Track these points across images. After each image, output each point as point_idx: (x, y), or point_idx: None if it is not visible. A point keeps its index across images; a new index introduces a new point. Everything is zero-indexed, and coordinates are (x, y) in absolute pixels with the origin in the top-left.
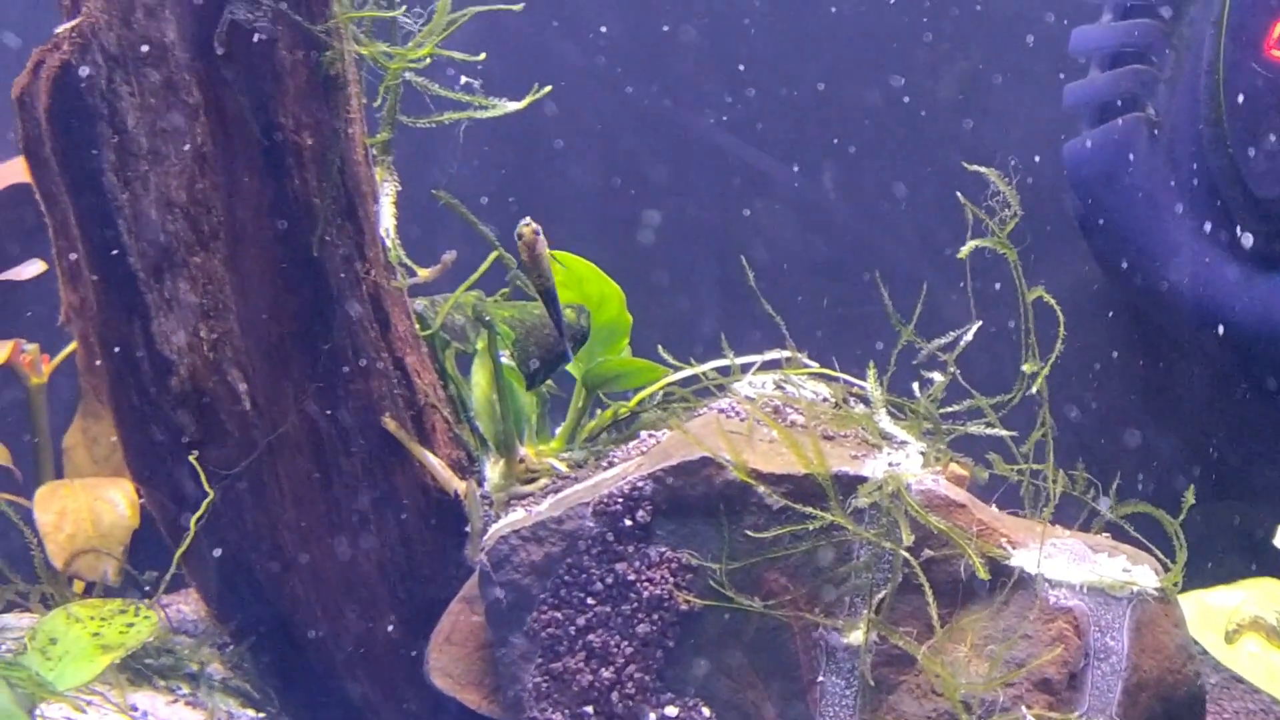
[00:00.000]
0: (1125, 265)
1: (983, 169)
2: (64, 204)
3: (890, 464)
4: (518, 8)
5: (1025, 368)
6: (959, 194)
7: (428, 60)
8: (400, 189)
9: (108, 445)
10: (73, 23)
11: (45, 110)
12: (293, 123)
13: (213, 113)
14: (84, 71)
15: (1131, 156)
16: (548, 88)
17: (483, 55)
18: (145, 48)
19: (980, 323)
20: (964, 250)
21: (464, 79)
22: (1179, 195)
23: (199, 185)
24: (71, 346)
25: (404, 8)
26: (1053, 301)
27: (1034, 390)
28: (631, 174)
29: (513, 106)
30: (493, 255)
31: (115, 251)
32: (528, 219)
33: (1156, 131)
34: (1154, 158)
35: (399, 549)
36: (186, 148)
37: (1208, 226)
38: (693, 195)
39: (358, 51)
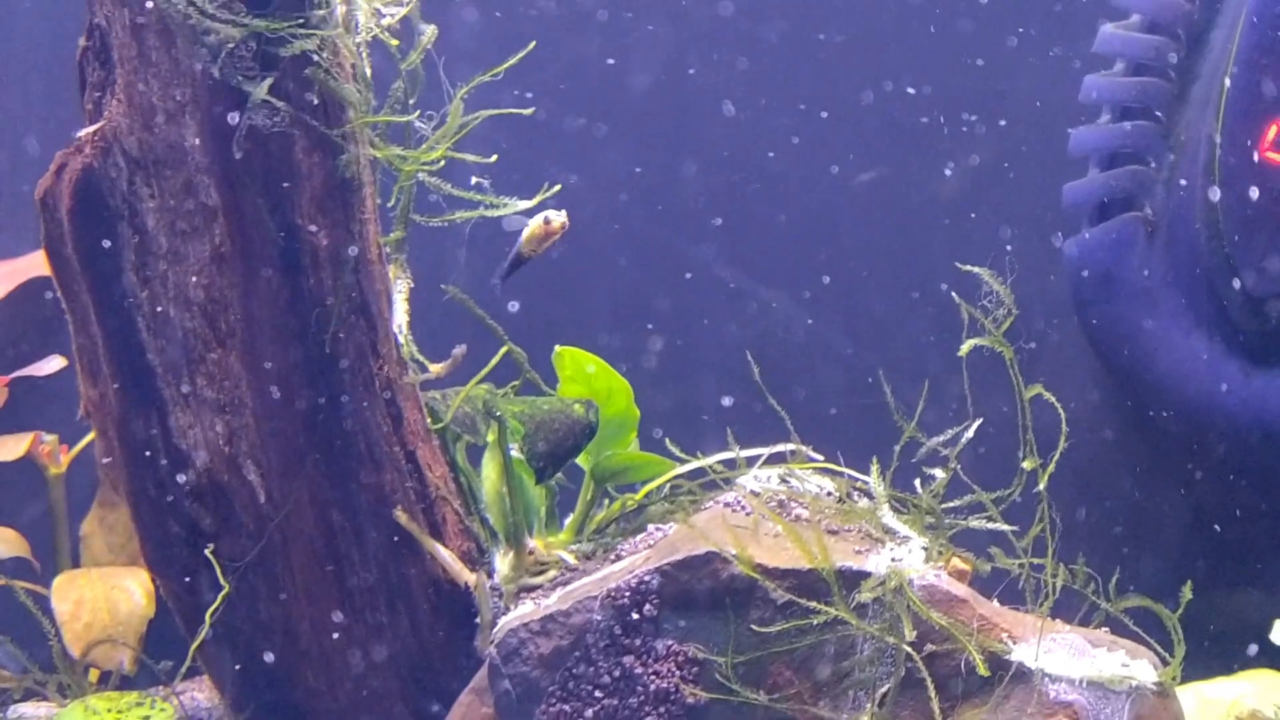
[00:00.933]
0: (1124, 361)
1: (976, 269)
2: (84, 302)
3: (893, 559)
4: (528, 112)
5: (1025, 464)
6: (954, 294)
7: (441, 162)
8: (413, 285)
9: (124, 533)
10: (95, 126)
11: (68, 211)
12: (309, 224)
13: (231, 214)
14: (106, 174)
15: (1129, 255)
16: (557, 186)
17: (494, 157)
18: (166, 151)
19: (980, 420)
20: (964, 349)
21: (474, 179)
22: (1177, 293)
23: (217, 284)
24: (89, 437)
25: (418, 112)
26: (1053, 399)
27: (1037, 488)
28: (645, 265)
29: (523, 205)
30: (503, 350)
31: (134, 348)
32: (563, 212)
33: (1154, 231)
34: (1151, 256)
35: (410, 640)
36: (205, 248)
37: (1205, 324)
38: (703, 286)
39: (373, 154)
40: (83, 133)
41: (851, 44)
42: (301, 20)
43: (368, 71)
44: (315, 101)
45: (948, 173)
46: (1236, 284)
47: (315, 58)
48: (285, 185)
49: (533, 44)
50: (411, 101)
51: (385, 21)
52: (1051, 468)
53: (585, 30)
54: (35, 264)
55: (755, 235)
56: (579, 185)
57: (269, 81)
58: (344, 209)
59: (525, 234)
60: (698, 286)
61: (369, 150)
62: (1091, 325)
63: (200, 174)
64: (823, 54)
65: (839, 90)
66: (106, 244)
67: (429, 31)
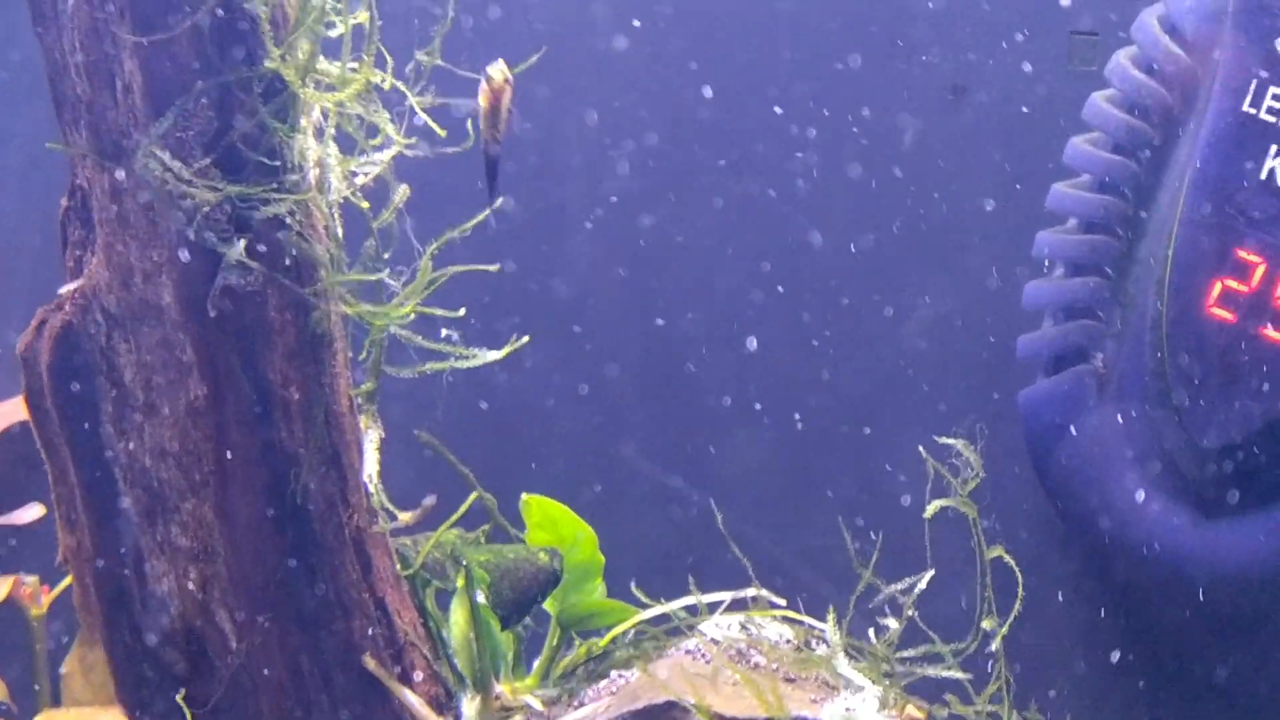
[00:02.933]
0: (1076, 509)
1: (952, 440)
2: (63, 452)
3: (847, 708)
4: (494, 268)
5: (985, 624)
6: (921, 449)
7: (411, 316)
8: (383, 435)
9: (103, 673)
10: (75, 284)
11: (47, 366)
12: (281, 379)
13: (206, 369)
14: (85, 330)
15: (1081, 407)
16: (526, 338)
17: (462, 310)
18: (143, 309)
19: (933, 571)
20: (929, 510)
21: (444, 331)
22: (1127, 444)
23: (191, 436)
24: (69, 580)
25: (387, 270)
26: (1011, 561)
27: (992, 647)
28: (610, 408)
29: (493, 356)
30: (472, 496)
31: (111, 497)
32: (500, 61)
33: (1105, 383)
34: (1103, 408)
35: None
36: (181, 401)
37: (1154, 475)
38: (670, 425)
39: (345, 311)
40: (63, 290)
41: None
42: (275, 185)
43: (339, 230)
44: (288, 261)
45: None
46: (1184, 435)
47: (288, 220)
48: (258, 342)
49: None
50: (386, 255)
51: (359, 180)
52: (1005, 630)
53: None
54: (18, 409)
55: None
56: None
57: (243, 243)
58: (316, 364)
59: (481, 116)
60: (661, 434)
61: (341, 307)
62: (1045, 473)
63: (176, 331)
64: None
65: None
66: (85, 397)
67: (401, 191)
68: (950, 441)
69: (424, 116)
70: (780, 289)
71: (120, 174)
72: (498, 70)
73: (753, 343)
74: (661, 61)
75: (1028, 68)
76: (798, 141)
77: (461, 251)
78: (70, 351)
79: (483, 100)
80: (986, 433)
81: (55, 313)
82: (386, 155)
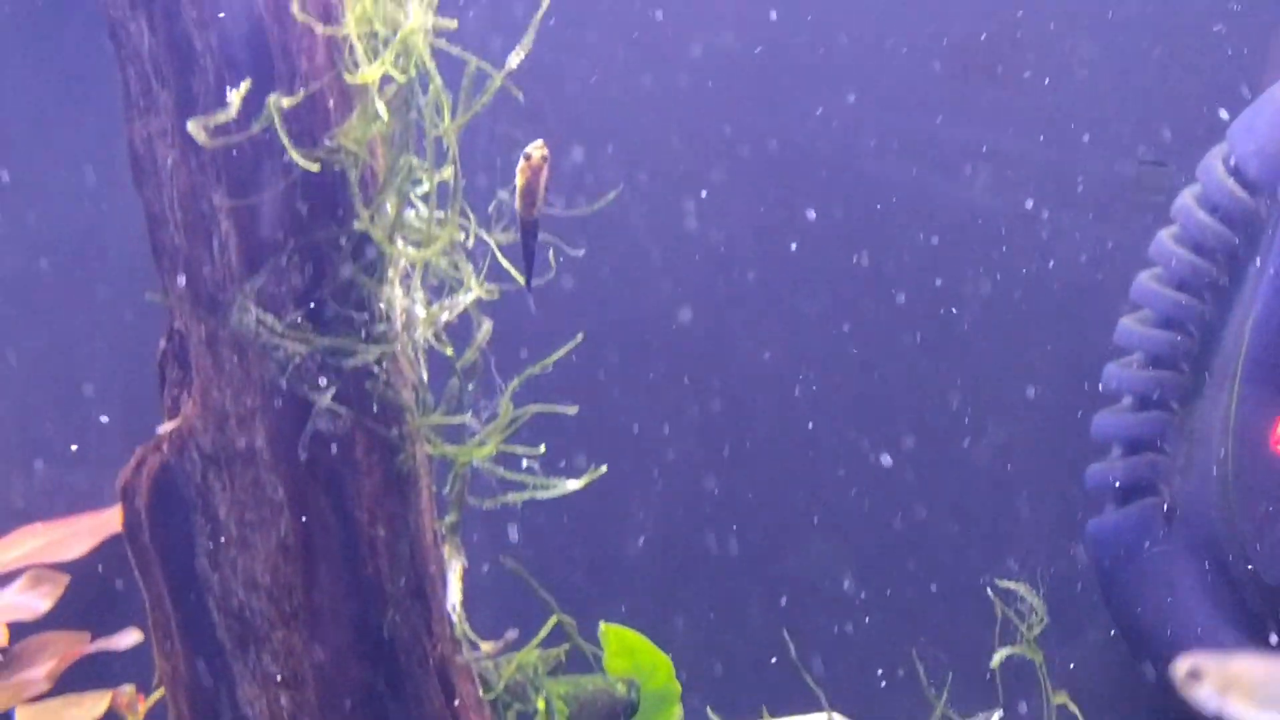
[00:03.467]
0: (1142, 638)
1: (1011, 584)
2: (159, 583)
3: None
4: (573, 410)
5: None
6: (989, 590)
7: (493, 450)
8: (466, 566)
9: None
10: (172, 425)
11: (145, 504)
12: (368, 517)
13: (296, 508)
14: (182, 469)
15: (1148, 537)
16: (603, 467)
17: (542, 448)
18: (237, 451)
19: (1000, 711)
20: (996, 660)
21: (525, 462)
22: (1193, 576)
23: (282, 570)
24: (161, 691)
25: (470, 414)
26: (1073, 707)
27: None
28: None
29: (572, 485)
30: (552, 621)
31: (205, 626)
32: (539, 140)
33: (1171, 515)
34: (1170, 541)
35: None
36: (272, 538)
37: (1220, 607)
38: (746, 543)
39: (429, 451)
40: (161, 430)
41: None
42: (363, 335)
43: (424, 374)
44: (375, 407)
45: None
46: (1250, 570)
47: (375, 370)
48: (347, 482)
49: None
50: (471, 387)
51: (444, 318)
52: None
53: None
54: (115, 519)
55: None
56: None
57: (332, 390)
58: (402, 502)
59: (517, 195)
60: (732, 559)
61: (425, 448)
62: (1112, 600)
63: (269, 472)
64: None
65: None
66: (181, 532)
67: (484, 329)
68: (1013, 586)
69: (504, 263)
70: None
71: (216, 326)
72: (536, 149)
73: (818, 460)
74: (751, 188)
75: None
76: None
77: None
78: (167, 489)
79: (520, 178)
80: (1051, 571)
81: (154, 453)
82: (469, 299)
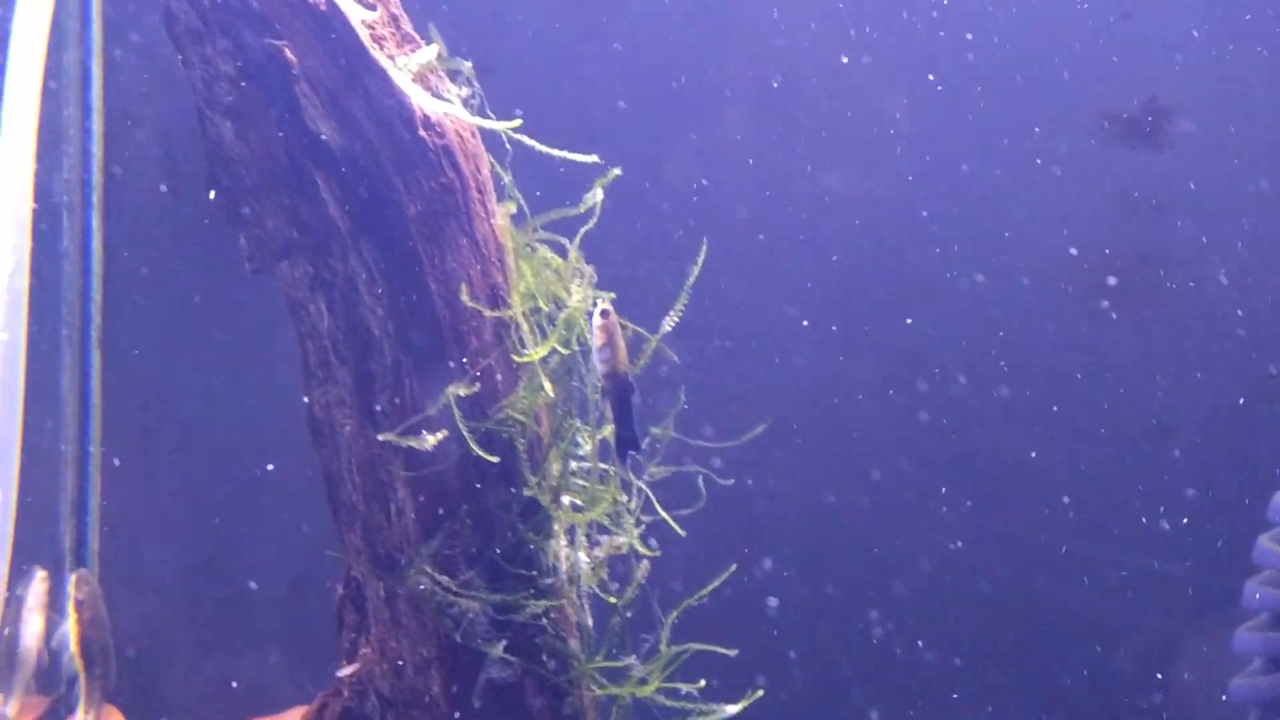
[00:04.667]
0: None
1: None
2: None
3: None
4: (732, 652)
5: None
6: None
7: (656, 687)
8: None
9: None
10: (352, 669)
11: None
12: None
13: None
14: (363, 711)
15: None
16: (760, 691)
17: (702, 682)
18: (413, 695)
19: None
20: None
21: (684, 688)
22: None
23: None
24: None
25: (633, 656)
26: None
27: None
28: None
29: (731, 710)
30: None
31: None
32: (607, 297)
33: None
34: None
35: None
36: None
37: None
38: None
39: (595, 693)
40: (342, 674)
41: None
42: (531, 590)
43: (589, 620)
44: (545, 656)
45: None
46: None
47: (543, 621)
48: None
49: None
50: (629, 613)
51: (598, 554)
52: None
53: None
54: None
55: None
56: None
57: (503, 642)
58: None
59: (596, 355)
60: None
61: (592, 690)
62: None
63: (444, 716)
64: None
65: None
66: None
67: (643, 566)
68: None
69: (661, 512)
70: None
71: (393, 583)
72: (603, 312)
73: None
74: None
75: None
76: None
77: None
78: None
79: (599, 337)
80: None
81: (335, 697)
82: (625, 542)
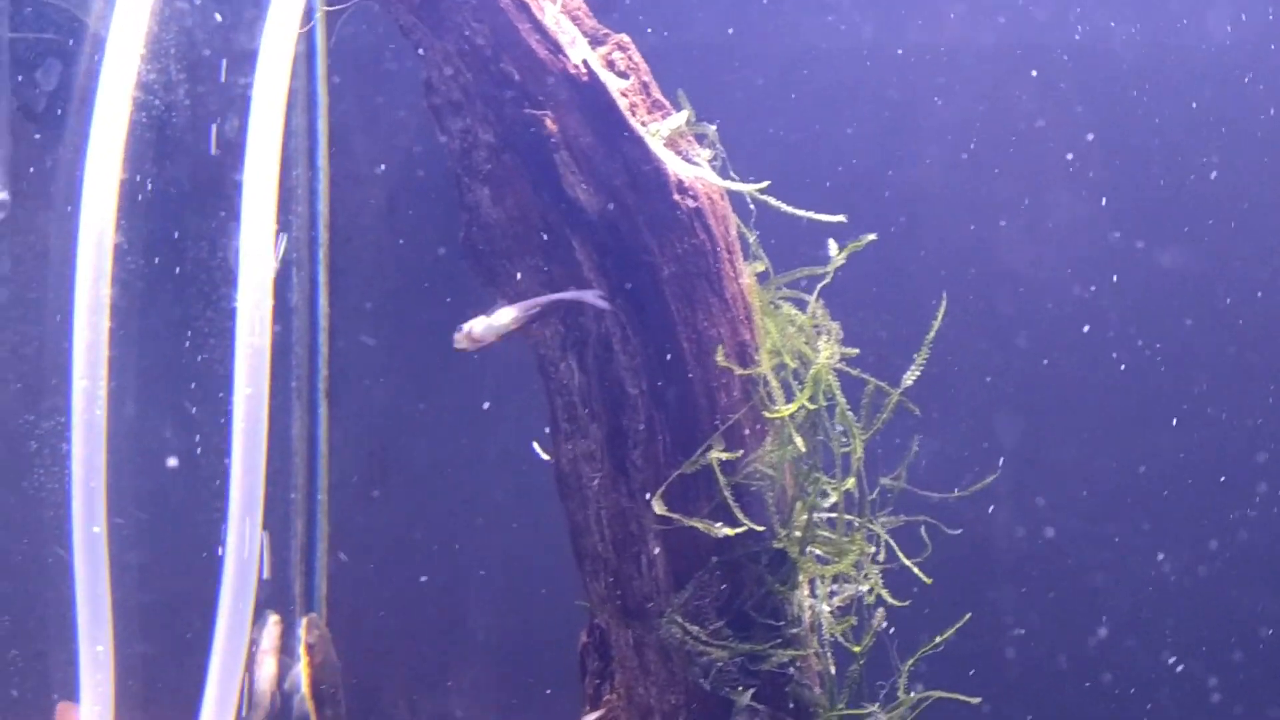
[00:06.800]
0: None
1: None
2: None
3: None
4: (975, 701)
5: None
6: None
7: None
8: None
9: None
10: (597, 714)
11: None
12: None
13: None
14: None
15: None
16: None
17: None
18: None
19: None
20: None
21: None
22: None
23: None
24: None
25: (875, 704)
26: None
27: None
28: None
29: None
30: None
31: None
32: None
33: None
34: None
35: None
36: None
37: None
38: None
39: None
40: (587, 719)
41: None
42: (778, 639)
43: (832, 669)
44: (790, 704)
45: None
46: None
47: (790, 669)
48: None
49: None
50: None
51: (837, 600)
52: None
53: None
54: None
55: None
56: None
57: (751, 691)
58: None
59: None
60: None
61: None
62: None
63: None
64: None
65: None
66: None
67: (879, 614)
68: None
69: (907, 562)
70: None
71: (643, 632)
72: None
73: None
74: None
75: None
76: None
77: None
78: None
79: None
80: None
81: None
82: (864, 588)
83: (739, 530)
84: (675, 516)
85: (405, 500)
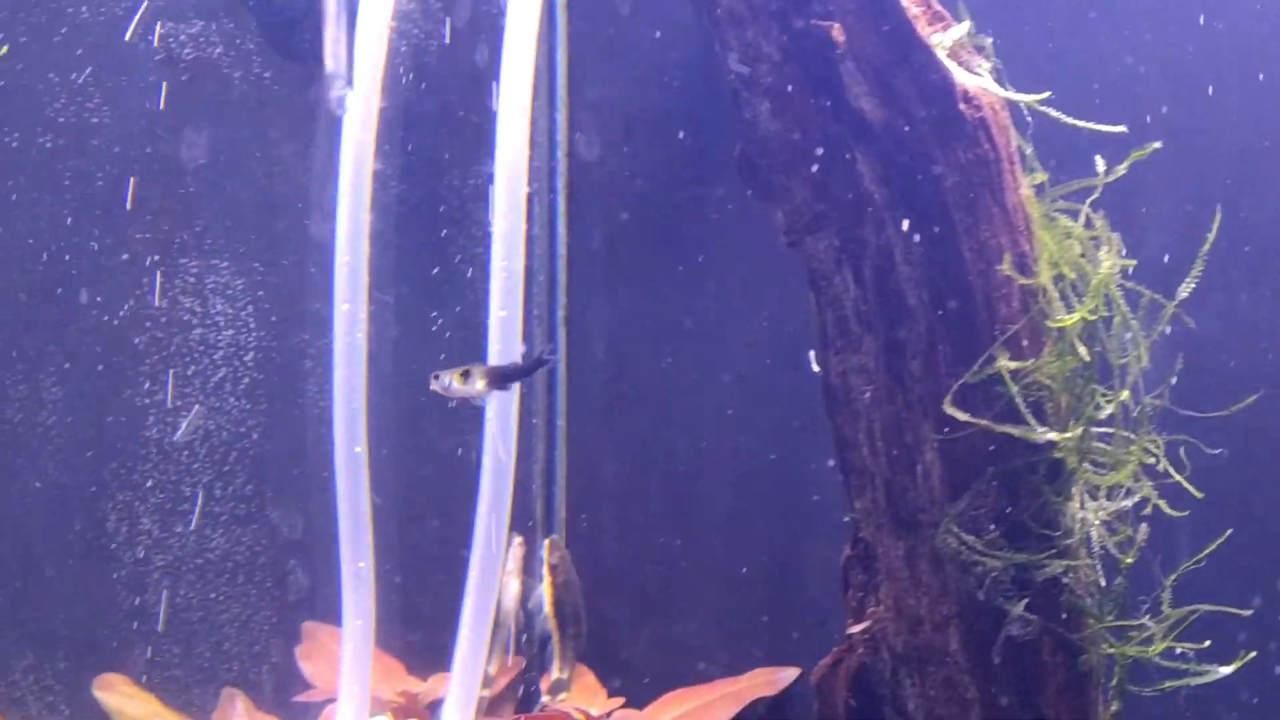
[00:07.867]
0: None
1: None
2: None
3: None
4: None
5: None
6: None
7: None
8: None
9: None
10: (862, 626)
11: (843, 700)
12: (1053, 713)
13: (987, 705)
14: (875, 668)
15: None
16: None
17: (1207, 643)
18: (929, 653)
19: None
20: None
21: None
22: None
23: None
24: None
25: (1146, 615)
26: None
27: None
28: None
29: (1224, 671)
30: None
31: None
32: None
33: None
34: None
35: None
36: None
37: None
38: None
39: (1107, 651)
40: (852, 631)
41: None
42: (1052, 550)
43: (1100, 580)
44: (1062, 614)
45: None
46: None
47: (1063, 579)
48: (1033, 682)
49: None
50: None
51: (1104, 513)
52: None
53: None
54: (757, 685)
55: None
56: None
57: (1024, 601)
58: (1081, 698)
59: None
60: None
61: (1104, 648)
62: None
63: (961, 673)
64: None
65: None
66: None
67: (1142, 530)
68: None
69: (1174, 474)
70: None
71: (916, 543)
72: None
73: None
74: None
75: None
76: None
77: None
78: (862, 687)
79: None
80: None
81: (849, 654)
82: (1133, 501)
83: (1016, 440)
84: (973, 420)
85: (640, 424)
